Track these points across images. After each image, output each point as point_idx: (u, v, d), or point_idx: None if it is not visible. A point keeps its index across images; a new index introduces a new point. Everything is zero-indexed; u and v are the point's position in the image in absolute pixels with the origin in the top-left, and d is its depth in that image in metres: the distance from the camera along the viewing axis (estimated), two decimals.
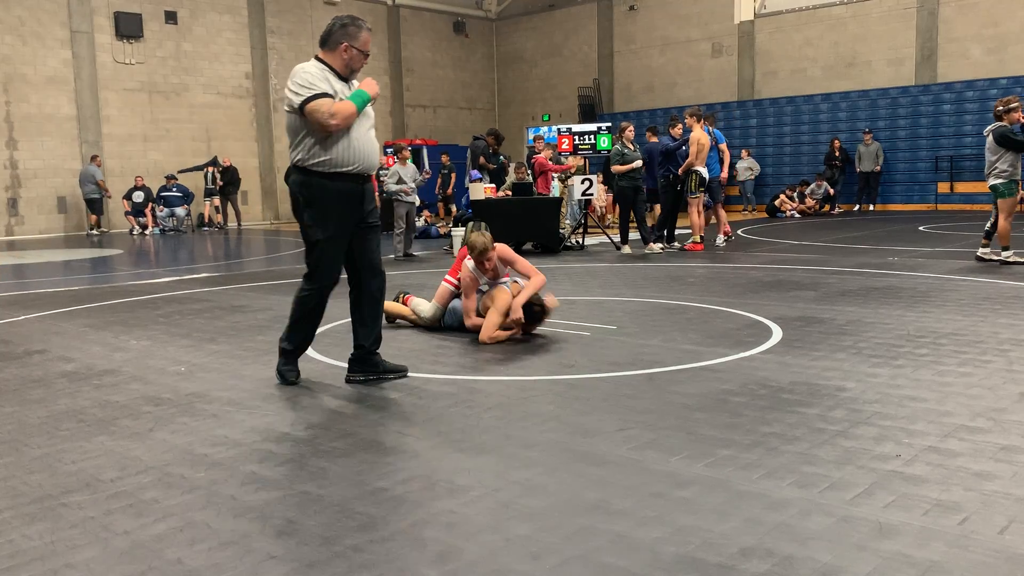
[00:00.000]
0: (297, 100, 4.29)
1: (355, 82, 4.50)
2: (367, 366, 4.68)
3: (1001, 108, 9.04)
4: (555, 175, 14.64)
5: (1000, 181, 8.92)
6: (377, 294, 4.71)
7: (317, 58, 4.45)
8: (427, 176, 14.34)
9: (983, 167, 9.25)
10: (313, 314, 4.67)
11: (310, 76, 4.32)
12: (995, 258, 9.02)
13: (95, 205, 19.18)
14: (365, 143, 4.46)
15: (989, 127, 9.14)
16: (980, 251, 9.19)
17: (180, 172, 20.29)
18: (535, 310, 5.76)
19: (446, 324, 6.19)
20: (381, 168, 19.36)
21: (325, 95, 4.26)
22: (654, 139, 12.53)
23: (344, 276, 4.66)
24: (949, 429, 3.50)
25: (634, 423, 3.72)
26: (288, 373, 4.67)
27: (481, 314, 5.88)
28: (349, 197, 4.46)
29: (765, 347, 5.22)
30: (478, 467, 3.22)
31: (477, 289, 5.96)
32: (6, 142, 18.86)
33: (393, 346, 5.59)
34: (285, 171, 4.68)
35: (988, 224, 9.24)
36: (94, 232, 19.19)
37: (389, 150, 18.07)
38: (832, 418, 3.70)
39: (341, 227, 4.48)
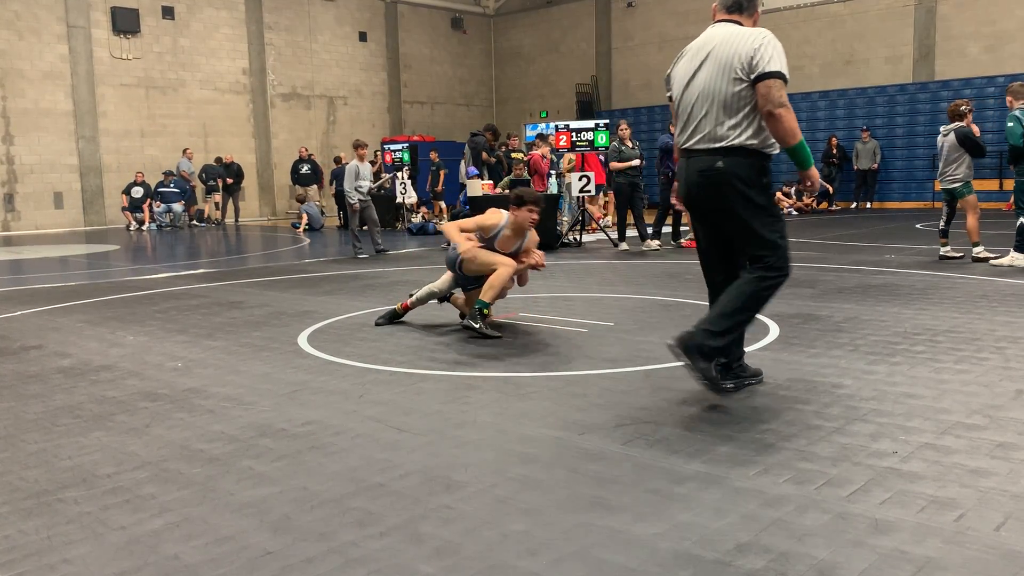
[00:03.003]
0: (770, 67, 3.68)
1: None
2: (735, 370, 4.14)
3: (965, 107, 8.90)
4: (550, 172, 14.63)
5: (956, 186, 8.88)
6: None
7: (736, 23, 3.90)
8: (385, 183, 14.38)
9: (979, 165, 9.18)
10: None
11: (783, 54, 3.78)
12: (957, 255, 8.98)
13: (189, 197, 20.18)
14: None
15: (948, 127, 8.98)
16: (942, 251, 9.16)
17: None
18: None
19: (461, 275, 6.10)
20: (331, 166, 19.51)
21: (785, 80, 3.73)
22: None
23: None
24: (945, 426, 3.50)
25: (631, 419, 3.72)
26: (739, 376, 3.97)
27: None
28: None
29: (762, 344, 5.23)
30: (475, 463, 3.22)
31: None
32: (2, 137, 18.81)
33: (391, 342, 5.60)
34: (699, 158, 3.86)
35: (942, 223, 9.21)
36: (194, 223, 20.09)
37: (388, 147, 18.03)
38: (829, 415, 3.70)
39: None
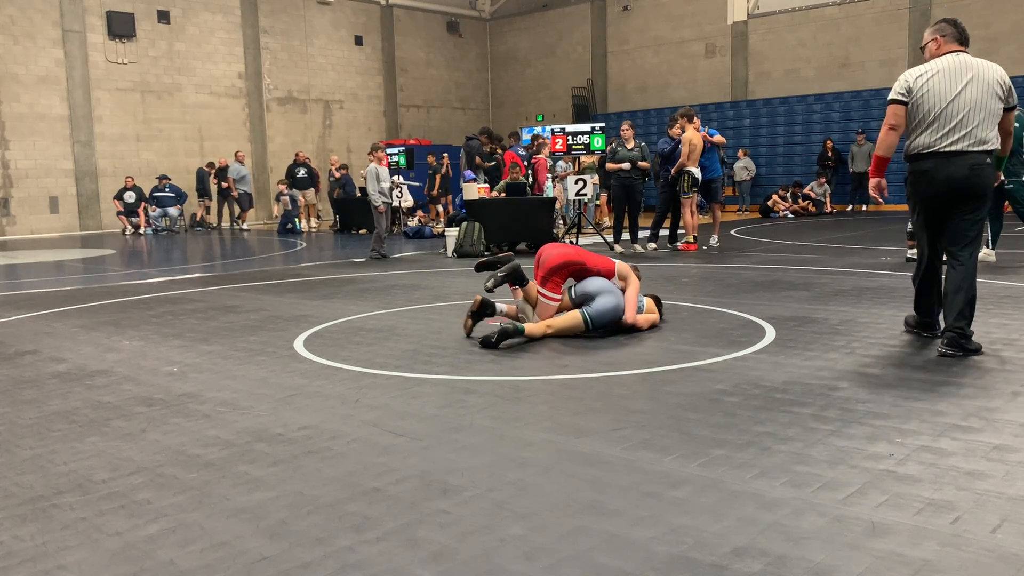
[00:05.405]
0: (1017, 102, 4.94)
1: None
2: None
3: None
4: (548, 175, 14.65)
5: None
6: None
7: (967, 53, 4.94)
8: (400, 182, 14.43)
9: None
10: None
11: None
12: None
13: (242, 200, 20.13)
14: None
15: None
16: (909, 252, 9.23)
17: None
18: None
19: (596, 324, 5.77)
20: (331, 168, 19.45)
21: None
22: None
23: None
24: (942, 428, 3.51)
25: (628, 423, 3.72)
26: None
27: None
28: None
29: (758, 347, 5.23)
30: (472, 467, 3.22)
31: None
32: None
33: (387, 346, 5.59)
34: (969, 156, 4.84)
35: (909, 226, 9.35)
36: (245, 227, 20.11)
37: (391, 149, 18.05)
38: (825, 418, 3.71)
39: None
